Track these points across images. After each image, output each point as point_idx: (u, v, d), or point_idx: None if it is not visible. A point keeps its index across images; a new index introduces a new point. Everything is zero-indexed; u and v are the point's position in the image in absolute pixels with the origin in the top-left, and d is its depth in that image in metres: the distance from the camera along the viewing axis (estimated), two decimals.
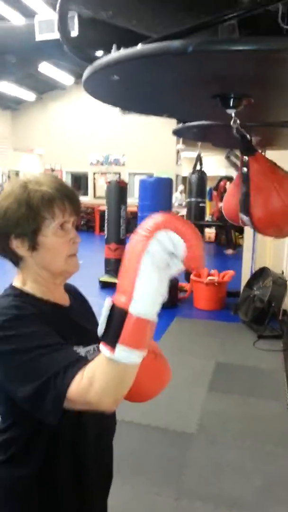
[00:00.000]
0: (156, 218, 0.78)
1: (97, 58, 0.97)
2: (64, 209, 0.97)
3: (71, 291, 1.14)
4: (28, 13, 7.69)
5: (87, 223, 13.54)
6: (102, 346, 0.79)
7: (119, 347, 0.76)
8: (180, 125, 2.01)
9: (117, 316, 0.77)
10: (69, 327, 1.02)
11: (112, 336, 0.77)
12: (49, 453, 0.98)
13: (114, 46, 0.98)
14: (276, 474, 2.47)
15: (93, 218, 13.41)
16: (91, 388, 0.80)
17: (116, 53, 0.86)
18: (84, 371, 0.83)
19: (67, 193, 0.99)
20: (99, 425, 1.09)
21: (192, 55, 0.80)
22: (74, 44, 1.01)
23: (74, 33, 5.97)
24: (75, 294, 1.16)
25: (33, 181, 0.97)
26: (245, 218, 1.33)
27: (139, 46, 0.87)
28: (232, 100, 1.07)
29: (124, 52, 0.85)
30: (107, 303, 0.79)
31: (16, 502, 1.00)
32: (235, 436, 2.84)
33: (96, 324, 1.08)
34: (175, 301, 5.69)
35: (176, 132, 2.11)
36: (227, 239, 10.02)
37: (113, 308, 0.78)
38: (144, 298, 0.76)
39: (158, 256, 0.76)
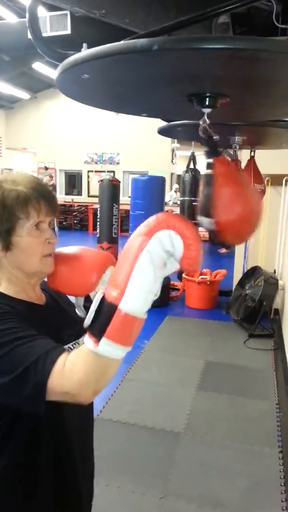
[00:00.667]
0: (158, 217, 0.79)
1: (68, 55, 0.95)
2: (39, 209, 0.96)
3: (49, 289, 1.14)
4: (23, 12, 7.66)
5: (80, 221, 13.52)
6: (87, 337, 0.79)
7: (104, 341, 0.76)
8: (165, 124, 2.00)
9: (106, 309, 0.77)
10: (44, 326, 1.00)
11: (98, 329, 0.77)
12: (29, 446, 0.97)
13: (84, 45, 0.97)
14: (262, 474, 2.48)
15: (87, 216, 13.39)
16: (71, 379, 0.80)
17: (83, 52, 0.85)
18: (65, 359, 0.82)
19: (44, 193, 0.98)
20: (78, 419, 1.08)
21: (160, 53, 0.79)
22: (45, 44, 0.99)
23: (67, 31, 5.95)
24: (53, 292, 1.15)
25: (9, 180, 0.97)
26: (205, 220, 1.31)
27: (110, 44, 0.86)
28: (207, 99, 1.06)
29: (91, 50, 0.84)
30: (98, 295, 0.79)
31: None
32: (222, 435, 2.84)
33: (73, 321, 1.08)
34: (167, 300, 5.69)
35: (161, 132, 2.10)
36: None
37: (103, 301, 0.77)
38: (136, 295, 0.76)
39: (156, 255, 0.77)
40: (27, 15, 0.98)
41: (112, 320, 0.76)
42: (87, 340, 0.79)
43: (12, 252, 0.97)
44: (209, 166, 1.10)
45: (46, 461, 1.00)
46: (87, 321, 0.79)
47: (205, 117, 1.00)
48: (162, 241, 0.76)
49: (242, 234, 1.20)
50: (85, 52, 0.86)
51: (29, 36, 1.11)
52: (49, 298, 1.10)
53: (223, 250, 9.88)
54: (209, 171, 1.09)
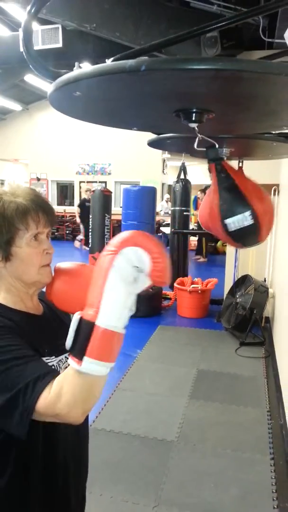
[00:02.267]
0: (123, 234, 0.83)
1: (61, 74, 1.00)
2: (38, 221, 0.99)
3: (46, 299, 1.16)
4: (15, 26, 7.75)
5: (72, 232, 13.53)
6: (70, 359, 0.82)
7: (86, 360, 0.79)
8: (154, 136, 2.06)
9: (85, 329, 0.80)
10: (41, 336, 1.03)
11: (79, 349, 0.80)
12: (19, 464, 0.98)
13: (76, 64, 1.01)
14: (254, 482, 2.49)
15: (79, 227, 13.39)
16: (59, 401, 0.82)
17: (75, 71, 0.90)
18: (53, 382, 0.84)
19: (42, 204, 1.01)
20: (72, 438, 1.10)
21: (148, 73, 0.84)
22: (39, 63, 1.04)
23: (58, 44, 6.04)
24: (50, 302, 1.18)
25: (8, 192, 1.00)
26: (238, 218, 1.34)
27: (101, 64, 0.91)
28: (193, 114, 1.11)
29: (82, 70, 0.88)
30: (75, 317, 0.81)
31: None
32: (215, 443, 2.86)
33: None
34: (158, 309, 5.72)
35: (151, 144, 2.15)
36: (198, 247, 10.16)
37: (81, 321, 0.80)
38: (111, 311, 0.79)
39: (124, 271, 0.80)
40: (20, 33, 1.03)
41: (91, 338, 0.79)
42: (70, 361, 0.81)
43: (12, 263, 0.99)
44: (221, 170, 1.15)
45: (39, 476, 1.01)
46: (68, 343, 0.81)
47: (197, 131, 1.05)
48: (128, 258, 0.80)
49: (271, 225, 1.25)
50: (77, 71, 0.90)
51: (21, 49, 1.15)
52: (47, 308, 1.12)
53: (201, 259, 9.97)
54: (222, 175, 1.14)
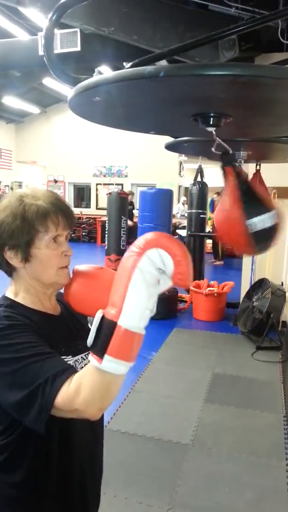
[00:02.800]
0: (147, 236, 0.83)
1: (81, 80, 1.02)
2: (57, 223, 1.01)
3: (64, 300, 1.18)
4: (34, 30, 7.86)
5: (89, 234, 13.63)
6: (90, 356, 0.83)
7: (106, 358, 0.80)
8: (172, 140, 2.07)
9: (107, 327, 0.81)
10: (58, 336, 1.05)
11: (100, 347, 0.81)
12: (38, 461, 1.00)
13: (96, 70, 1.03)
14: (270, 486, 2.47)
15: (95, 229, 13.49)
16: (77, 396, 0.84)
17: (95, 77, 0.92)
18: (71, 379, 0.86)
19: (62, 207, 1.03)
20: (87, 434, 1.11)
21: (166, 79, 0.85)
22: (60, 69, 1.06)
23: (77, 48, 6.10)
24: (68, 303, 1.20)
25: (29, 195, 1.02)
26: (263, 218, 1.35)
27: (120, 71, 0.92)
28: (211, 119, 1.12)
29: (102, 76, 0.90)
30: (98, 314, 0.83)
31: (8, 509, 1.02)
32: (230, 447, 2.84)
33: (87, 332, 1.12)
34: (174, 312, 5.71)
35: (168, 147, 2.16)
36: (214, 250, 10.11)
37: (103, 320, 0.82)
38: (133, 312, 0.81)
39: (148, 273, 0.81)
40: (41, 39, 1.05)
41: (112, 337, 0.80)
42: (91, 358, 0.83)
43: (31, 264, 1.01)
44: (238, 173, 1.17)
45: (55, 473, 1.03)
46: (90, 340, 0.83)
47: (214, 135, 1.06)
48: (152, 260, 0.81)
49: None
50: (97, 77, 0.92)
51: (40, 53, 1.17)
52: (64, 309, 1.13)
53: (217, 262, 9.93)
54: (240, 177, 1.16)
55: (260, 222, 1.33)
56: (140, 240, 0.83)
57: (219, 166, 1.24)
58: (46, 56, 1.05)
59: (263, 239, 1.35)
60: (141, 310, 0.81)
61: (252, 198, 1.30)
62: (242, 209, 1.31)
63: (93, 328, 0.82)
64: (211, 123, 1.12)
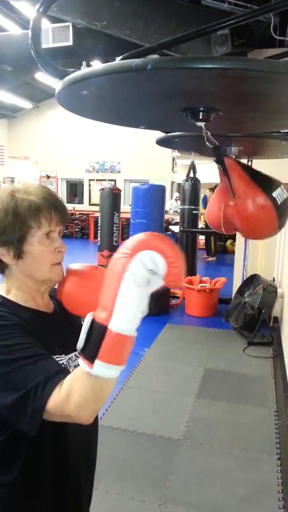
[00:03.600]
0: (138, 237, 0.81)
1: (69, 73, 1.00)
2: (50, 219, 0.99)
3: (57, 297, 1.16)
4: (26, 24, 7.78)
5: (81, 230, 13.58)
6: (80, 361, 0.81)
7: (97, 363, 0.79)
8: (163, 135, 2.06)
9: (97, 331, 0.79)
10: (51, 334, 1.03)
11: (91, 351, 0.79)
12: (30, 460, 0.99)
13: (83, 63, 1.02)
14: (261, 481, 2.49)
15: (88, 225, 13.45)
16: (69, 402, 0.83)
17: (82, 70, 0.90)
18: (63, 382, 0.85)
19: (55, 202, 1.01)
20: (81, 434, 1.10)
21: (154, 72, 0.84)
22: (47, 62, 1.05)
23: (69, 42, 6.05)
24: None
25: (21, 190, 0.99)
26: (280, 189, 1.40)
27: (107, 63, 0.91)
28: (200, 113, 1.11)
29: (89, 69, 0.89)
30: (87, 318, 0.81)
31: (2, 510, 1.01)
32: (221, 443, 2.85)
33: (80, 330, 1.11)
34: (166, 308, 5.71)
35: (159, 143, 2.15)
36: (207, 246, 10.13)
37: (93, 324, 0.80)
38: (124, 315, 0.79)
39: (139, 275, 0.79)
40: (30, 33, 1.03)
41: (103, 341, 0.78)
42: (81, 363, 0.81)
43: (23, 261, 0.99)
44: (238, 162, 1.21)
45: (48, 472, 1.02)
46: (80, 344, 0.81)
47: (204, 129, 1.05)
48: (143, 262, 0.79)
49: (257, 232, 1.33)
50: (84, 70, 0.91)
51: (34, 56, 1.16)
52: (57, 306, 1.11)
53: (210, 258, 9.95)
54: (241, 164, 1.20)
55: (279, 195, 1.35)
56: (131, 241, 0.81)
57: (214, 160, 1.24)
58: (33, 48, 1.04)
59: (285, 213, 1.38)
60: (132, 313, 0.79)
61: (260, 177, 1.33)
62: (260, 187, 1.33)
63: (83, 332, 0.81)
64: (200, 117, 1.11)
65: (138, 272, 0.79)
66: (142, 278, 0.79)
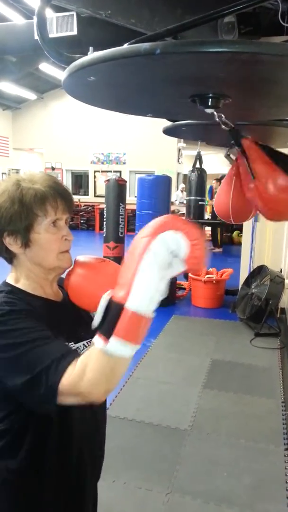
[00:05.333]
0: (162, 218, 0.81)
1: (75, 59, 0.98)
2: (56, 207, 0.99)
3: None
4: (29, 13, 7.72)
5: (87, 221, 13.58)
6: (96, 337, 0.81)
7: (113, 339, 0.78)
8: (170, 124, 2.03)
9: (114, 309, 0.79)
10: (60, 323, 1.03)
11: (107, 328, 0.79)
12: (37, 446, 1.00)
13: (90, 49, 1.00)
14: (267, 471, 2.49)
15: (93, 216, 13.45)
16: (82, 379, 0.83)
17: (89, 56, 0.88)
18: (77, 361, 0.85)
19: (60, 191, 1.01)
20: (88, 421, 1.10)
21: (162, 57, 0.82)
22: (53, 48, 1.03)
23: (73, 32, 5.99)
24: None
25: (26, 179, 0.99)
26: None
27: (115, 48, 0.89)
28: (210, 100, 1.09)
29: (97, 54, 0.87)
30: (105, 296, 0.81)
31: (8, 494, 1.02)
32: (228, 433, 2.86)
33: (89, 319, 1.10)
34: (173, 299, 5.71)
35: (166, 132, 2.12)
36: (213, 237, 10.09)
37: (111, 301, 0.80)
38: (142, 294, 0.78)
39: (160, 255, 0.78)
40: (35, 18, 1.01)
41: (120, 319, 0.78)
42: (96, 339, 0.81)
43: (31, 249, 0.99)
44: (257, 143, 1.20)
45: (55, 457, 1.02)
46: (96, 321, 0.81)
47: (216, 114, 1.03)
48: (166, 242, 0.78)
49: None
50: (91, 55, 0.89)
51: (36, 37, 1.14)
52: (66, 295, 1.11)
53: (216, 250, 9.92)
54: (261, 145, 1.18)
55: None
56: (154, 222, 0.80)
57: (231, 144, 1.22)
58: (39, 34, 1.02)
59: None
60: (150, 293, 0.79)
61: (281, 157, 1.30)
62: (281, 168, 1.31)
63: (100, 309, 0.81)
64: (209, 104, 1.09)
65: (159, 253, 0.78)
66: (163, 260, 0.79)
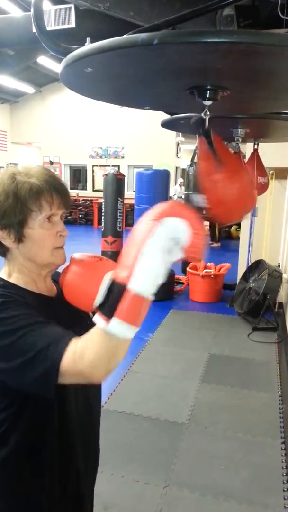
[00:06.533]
0: (165, 205, 0.81)
1: (72, 50, 0.97)
2: (51, 202, 0.97)
3: None
4: (27, 6, 7.65)
5: (85, 216, 13.55)
6: (97, 317, 0.81)
7: (114, 320, 0.78)
8: (168, 117, 2.02)
9: (116, 289, 0.79)
10: (53, 318, 1.01)
11: (108, 308, 0.79)
12: (31, 438, 0.99)
13: (88, 40, 0.99)
14: (264, 464, 2.50)
15: (92, 211, 13.42)
16: (83, 358, 0.83)
17: (86, 46, 0.87)
18: (77, 342, 0.85)
19: (56, 185, 0.99)
20: (83, 418, 1.10)
21: (160, 47, 0.81)
22: (49, 38, 1.02)
23: (71, 25, 5.94)
24: None
25: (22, 172, 0.98)
26: (195, 196, 1.33)
27: (112, 38, 0.88)
28: (207, 92, 1.08)
29: (94, 44, 0.86)
30: (107, 275, 0.80)
31: (6, 481, 1.01)
32: (225, 426, 2.87)
33: (84, 315, 1.09)
34: (171, 294, 5.71)
35: (164, 125, 2.11)
36: (211, 232, 10.08)
37: (113, 281, 0.79)
38: (144, 276, 0.78)
39: (163, 240, 0.78)
40: (32, 9, 1.00)
41: (121, 299, 0.78)
42: (97, 319, 0.80)
43: (24, 244, 0.98)
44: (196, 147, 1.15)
45: (49, 452, 1.02)
46: (97, 300, 0.80)
47: (206, 112, 1.02)
48: (171, 228, 0.78)
49: (232, 213, 1.23)
50: (88, 46, 0.88)
51: (34, 30, 1.13)
52: (61, 290, 1.10)
53: (214, 244, 9.92)
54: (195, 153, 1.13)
55: (195, 198, 1.31)
56: (159, 207, 0.81)
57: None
58: (36, 25, 1.01)
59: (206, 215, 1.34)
60: (152, 276, 0.79)
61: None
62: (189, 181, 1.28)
63: (102, 288, 0.80)
64: (207, 96, 1.08)
65: (163, 237, 0.78)
66: (166, 245, 0.79)
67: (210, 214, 1.23)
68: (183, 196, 10.61)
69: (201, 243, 0.80)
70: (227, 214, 1.28)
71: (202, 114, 1.05)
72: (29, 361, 0.86)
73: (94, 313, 0.83)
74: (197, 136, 1.17)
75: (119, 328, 0.79)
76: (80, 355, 0.83)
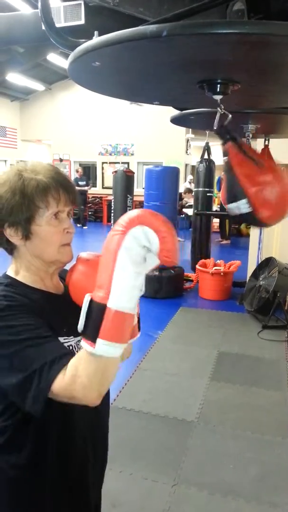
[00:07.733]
0: (131, 214, 0.80)
1: (80, 43, 0.96)
2: (58, 199, 0.97)
3: None
4: (37, 2, 7.66)
5: (95, 213, 13.57)
6: (83, 342, 0.80)
7: (99, 342, 0.78)
8: (177, 112, 2.00)
9: (96, 310, 0.78)
10: (60, 315, 1.01)
11: (92, 331, 0.79)
12: (38, 441, 0.99)
13: (96, 33, 0.97)
14: (273, 463, 2.48)
15: (101, 208, 13.43)
16: (74, 384, 0.82)
17: (94, 39, 0.86)
18: (70, 363, 0.84)
19: (63, 182, 0.99)
20: (90, 415, 1.09)
21: (169, 39, 0.80)
22: (57, 33, 1.00)
23: (81, 21, 5.93)
24: None
25: (29, 169, 0.98)
26: (237, 204, 1.29)
27: (121, 31, 0.87)
28: (218, 85, 1.06)
29: (102, 38, 0.85)
30: (86, 298, 0.80)
31: (9, 489, 1.01)
32: (234, 425, 2.85)
33: None
34: (180, 291, 5.69)
35: (174, 121, 2.09)
36: (221, 229, 10.04)
37: (91, 303, 0.79)
38: (122, 292, 0.78)
39: (134, 251, 0.78)
40: (39, 4, 0.99)
41: (103, 320, 0.78)
42: (83, 344, 0.80)
43: (31, 241, 0.98)
44: (224, 153, 1.11)
45: (56, 454, 1.01)
46: (80, 325, 0.80)
47: (220, 106, 1.00)
48: (137, 237, 0.78)
49: (279, 213, 1.21)
50: (96, 39, 0.87)
51: (43, 27, 1.12)
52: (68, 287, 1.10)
53: (224, 241, 9.87)
54: (225, 158, 1.10)
55: (237, 207, 1.29)
56: (123, 218, 0.80)
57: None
58: (43, 19, 1.00)
59: (253, 219, 1.31)
60: (129, 291, 0.79)
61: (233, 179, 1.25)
62: (225, 191, 1.26)
63: (83, 313, 0.80)
64: (218, 90, 1.06)
65: (132, 248, 0.78)
66: (137, 255, 0.78)
67: (256, 218, 1.21)
68: (192, 193, 10.57)
69: (172, 247, 0.79)
70: (274, 215, 1.27)
71: (226, 122, 1.04)
72: (23, 380, 0.85)
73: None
74: (222, 144, 1.15)
75: (105, 348, 0.78)
76: (71, 381, 0.82)
